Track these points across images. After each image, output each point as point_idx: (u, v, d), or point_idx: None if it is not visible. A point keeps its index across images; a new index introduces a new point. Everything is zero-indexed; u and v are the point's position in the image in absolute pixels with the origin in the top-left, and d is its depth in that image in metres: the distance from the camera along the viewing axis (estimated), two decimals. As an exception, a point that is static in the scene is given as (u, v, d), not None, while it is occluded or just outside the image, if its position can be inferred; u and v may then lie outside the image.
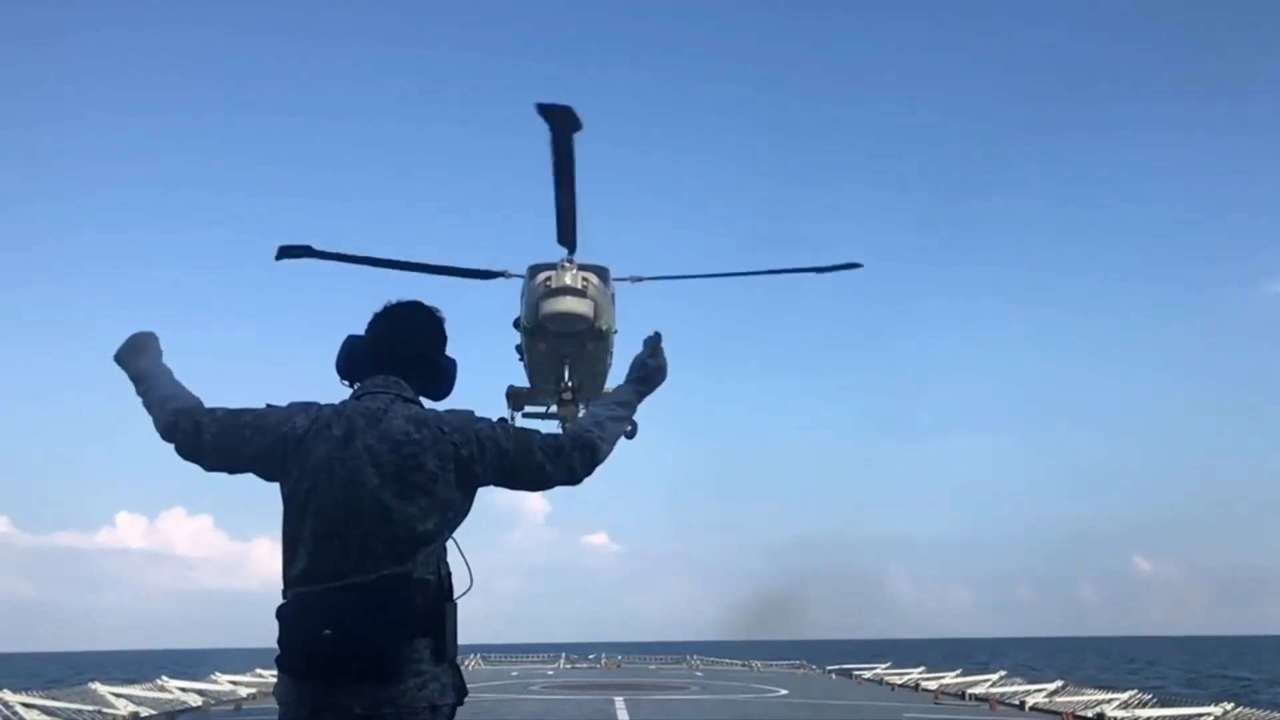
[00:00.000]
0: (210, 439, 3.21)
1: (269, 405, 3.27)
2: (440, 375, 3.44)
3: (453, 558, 3.21)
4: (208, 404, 3.30)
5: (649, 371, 3.52)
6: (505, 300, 15.65)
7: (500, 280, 15.35)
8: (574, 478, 3.28)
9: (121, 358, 3.50)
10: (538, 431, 3.28)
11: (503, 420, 3.30)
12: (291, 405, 3.25)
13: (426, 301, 3.45)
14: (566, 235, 14.31)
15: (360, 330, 3.44)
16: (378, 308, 3.41)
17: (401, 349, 3.33)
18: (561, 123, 12.38)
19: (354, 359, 3.38)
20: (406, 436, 3.10)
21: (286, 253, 14.17)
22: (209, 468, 3.26)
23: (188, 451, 3.25)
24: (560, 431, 3.34)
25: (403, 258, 14.46)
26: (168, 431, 3.27)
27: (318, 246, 14.19)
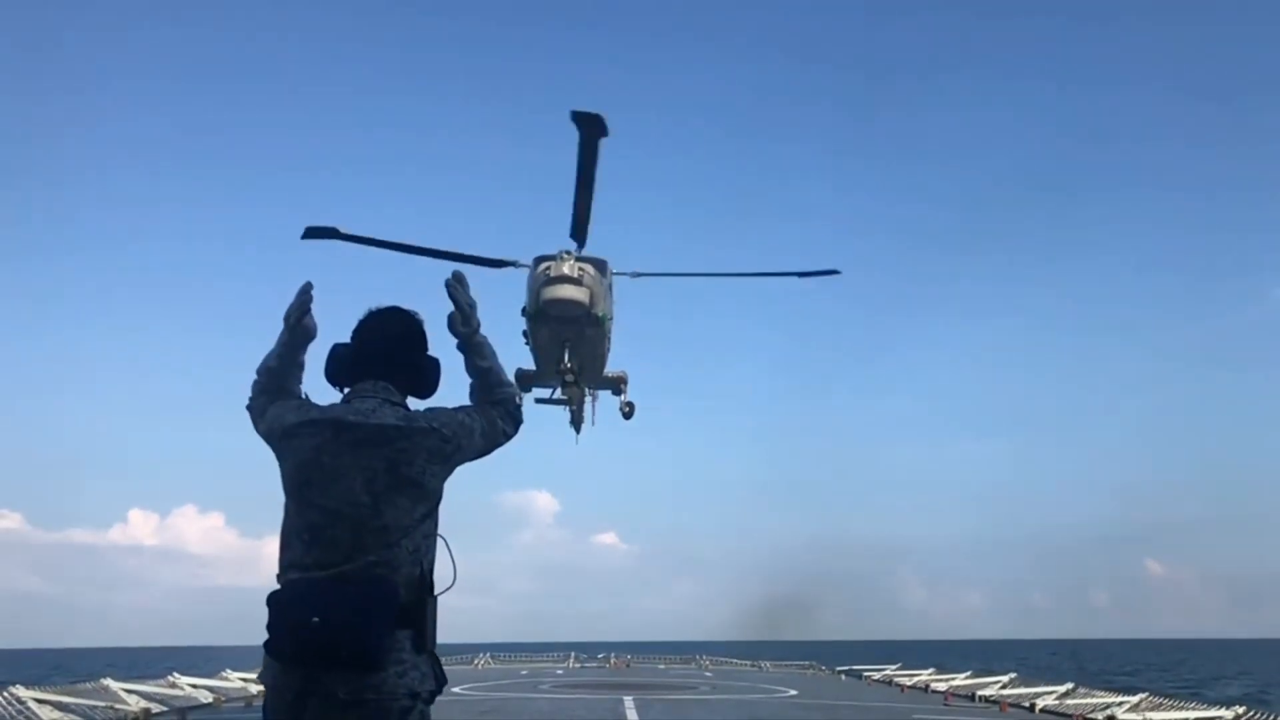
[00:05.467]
0: (253, 408, 3.71)
1: (304, 396, 3.72)
2: (424, 376, 3.65)
3: (439, 555, 3.44)
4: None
5: (467, 336, 3.69)
6: (515, 288, 16.47)
7: (510, 269, 16.16)
8: (517, 428, 3.69)
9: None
10: (480, 405, 3.62)
11: (466, 406, 3.61)
12: (289, 403, 3.58)
13: (405, 306, 3.68)
14: (579, 232, 15.36)
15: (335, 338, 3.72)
16: (360, 314, 3.68)
17: (385, 354, 3.55)
18: (591, 129, 13.38)
19: (341, 366, 3.60)
20: (398, 432, 3.33)
21: (313, 233, 14.99)
22: None
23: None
24: (494, 395, 3.64)
25: (421, 244, 15.38)
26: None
27: (343, 230, 15.06)
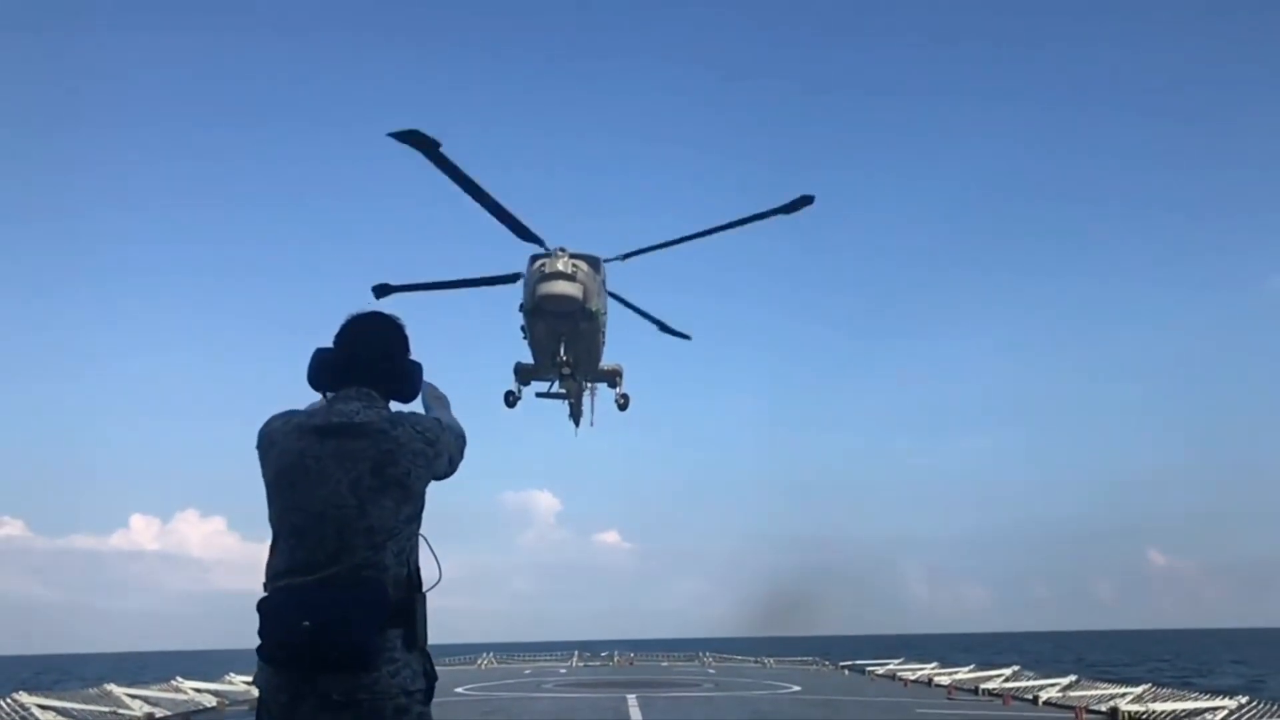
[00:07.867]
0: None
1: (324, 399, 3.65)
2: (406, 380, 3.66)
3: (423, 553, 3.45)
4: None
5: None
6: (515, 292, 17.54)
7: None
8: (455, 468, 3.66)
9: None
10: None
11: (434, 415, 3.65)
12: (282, 412, 3.56)
13: (387, 310, 3.71)
14: (641, 252, 17.06)
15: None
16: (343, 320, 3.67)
17: (367, 359, 3.56)
18: (795, 209, 15.82)
19: (324, 371, 3.59)
20: (382, 434, 3.34)
21: (418, 142, 14.21)
22: None
23: None
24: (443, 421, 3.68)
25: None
26: None
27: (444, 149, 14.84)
